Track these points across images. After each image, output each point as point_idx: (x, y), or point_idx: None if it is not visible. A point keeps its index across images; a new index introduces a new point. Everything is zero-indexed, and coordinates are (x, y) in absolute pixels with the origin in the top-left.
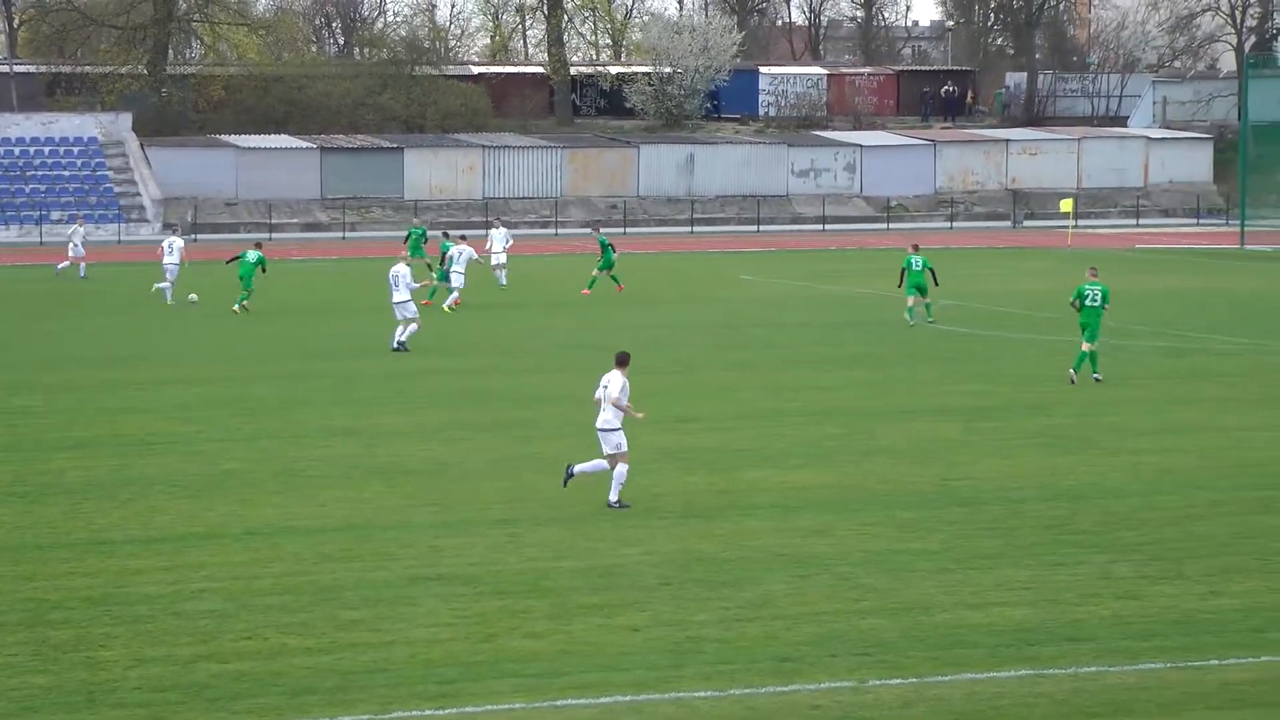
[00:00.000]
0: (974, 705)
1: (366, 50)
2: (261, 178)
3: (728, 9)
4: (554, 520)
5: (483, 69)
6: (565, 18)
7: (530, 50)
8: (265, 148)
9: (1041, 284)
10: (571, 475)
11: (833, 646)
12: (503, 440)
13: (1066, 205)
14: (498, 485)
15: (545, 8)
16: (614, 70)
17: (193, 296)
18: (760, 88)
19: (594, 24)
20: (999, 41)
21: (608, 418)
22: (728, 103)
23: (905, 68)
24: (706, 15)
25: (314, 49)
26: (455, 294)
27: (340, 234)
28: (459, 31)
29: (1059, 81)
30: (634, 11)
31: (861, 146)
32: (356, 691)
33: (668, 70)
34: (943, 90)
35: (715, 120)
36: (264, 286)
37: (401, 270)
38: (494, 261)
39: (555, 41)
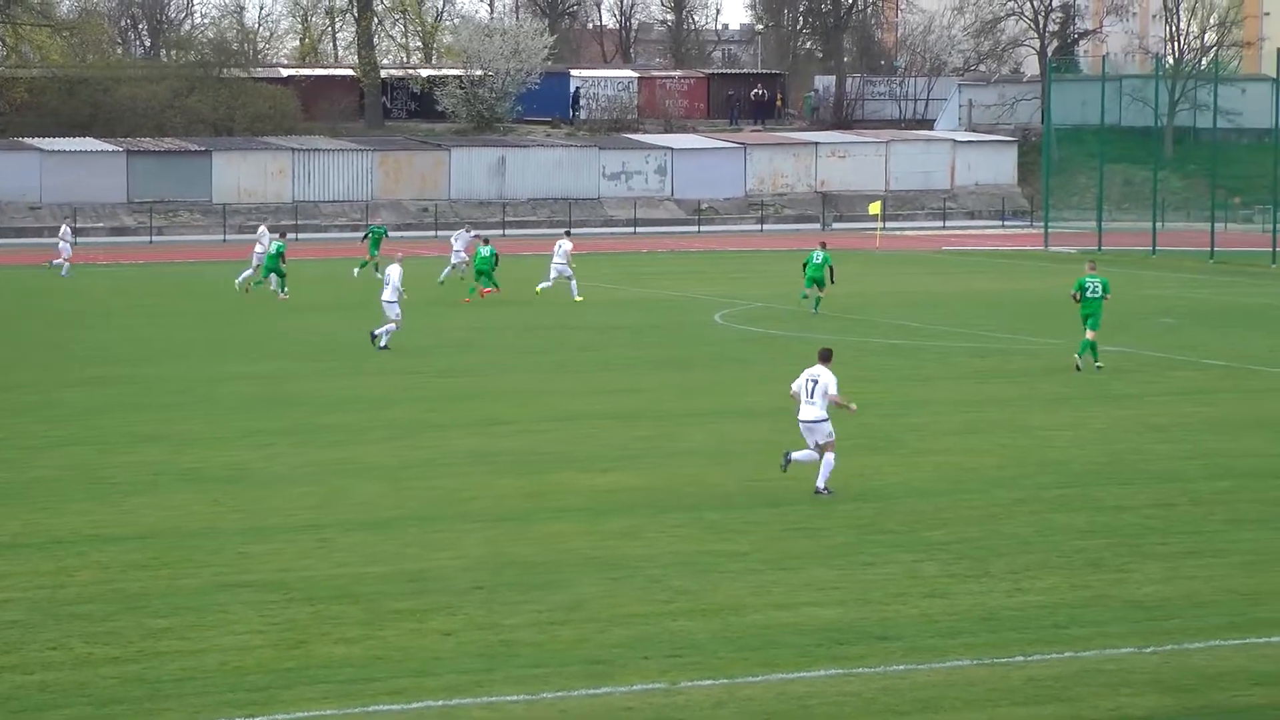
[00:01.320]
0: (784, 705)
1: (174, 52)
2: (66, 181)
3: (539, 12)
4: (364, 525)
5: (292, 71)
6: (375, 20)
7: (340, 53)
8: (70, 151)
9: (850, 286)
10: (790, 460)
11: (644, 648)
12: (309, 445)
13: (875, 207)
14: (305, 490)
15: (355, 10)
16: (425, 73)
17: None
18: (572, 90)
19: (404, 26)
20: (808, 45)
21: (817, 411)
22: (539, 105)
23: (715, 71)
24: (517, 18)
25: (120, 51)
26: (547, 285)
27: (147, 238)
28: (268, 34)
29: (867, 85)
30: (444, 14)
31: (672, 149)
32: (165, 700)
33: (479, 73)
34: (752, 93)
35: (526, 123)
36: (68, 289)
37: (394, 271)
38: (453, 260)
39: (365, 44)
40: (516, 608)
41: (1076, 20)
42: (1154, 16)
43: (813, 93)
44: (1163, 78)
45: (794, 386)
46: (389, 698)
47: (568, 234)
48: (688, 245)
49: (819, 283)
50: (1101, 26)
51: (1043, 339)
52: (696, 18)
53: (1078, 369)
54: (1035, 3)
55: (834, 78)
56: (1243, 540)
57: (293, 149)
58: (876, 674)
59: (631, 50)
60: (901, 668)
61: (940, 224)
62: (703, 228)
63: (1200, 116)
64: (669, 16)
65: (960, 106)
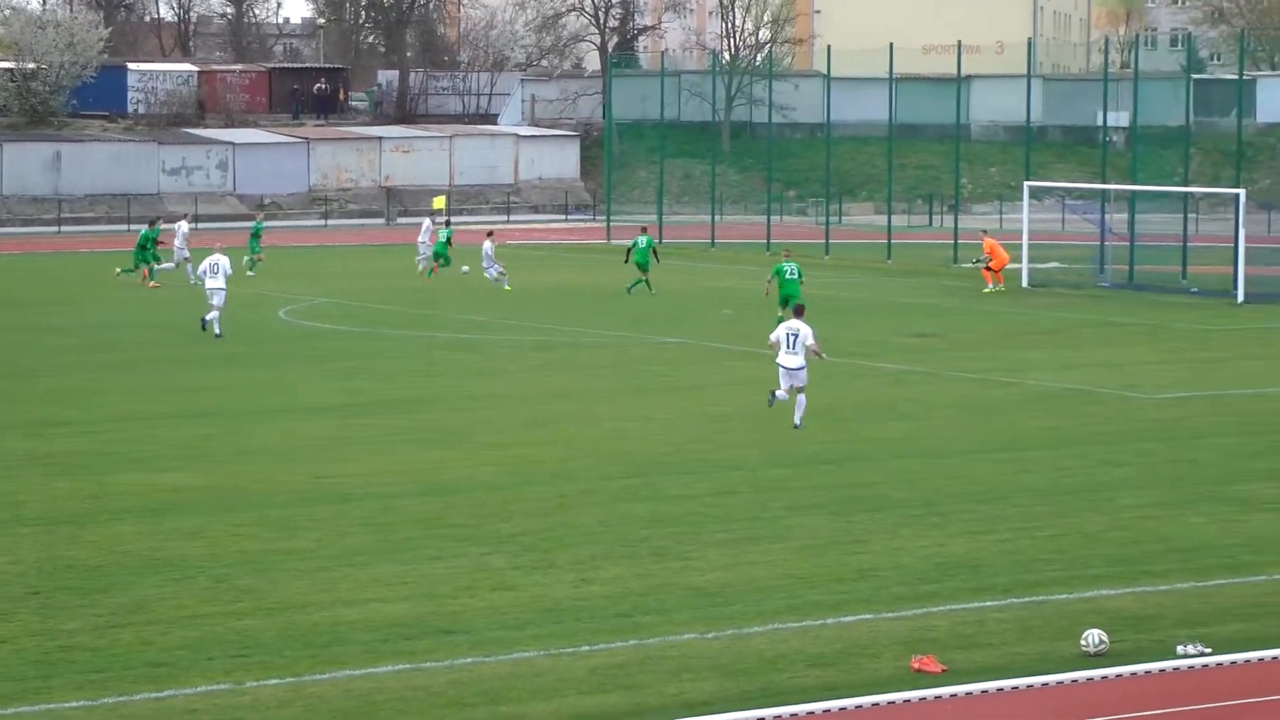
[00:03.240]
0: (351, 702)
1: None
2: None
3: (93, 4)
4: None
5: None
6: None
7: None
8: None
9: (415, 281)
10: (775, 398)
11: (209, 649)
12: None
13: (439, 202)
14: None
15: None
16: None
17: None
18: (129, 84)
19: None
20: (371, 39)
21: (798, 359)
22: (95, 99)
23: (277, 65)
24: (71, 10)
25: None
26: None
27: None
28: None
29: (431, 79)
30: None
31: (234, 144)
32: None
33: (31, 66)
34: (315, 88)
35: (82, 117)
36: None
37: (220, 260)
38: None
39: None
40: (75, 612)
41: (636, 16)
42: (711, 13)
43: (376, 87)
44: (719, 74)
45: (773, 337)
46: None
47: (490, 235)
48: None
49: (644, 267)
50: (660, 23)
51: (608, 331)
52: (257, 11)
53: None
54: None
55: (397, 72)
56: (800, 525)
57: None
58: (443, 668)
59: (191, 44)
60: (469, 660)
61: (505, 218)
62: (266, 223)
63: (756, 112)
64: (229, 10)
65: (523, 101)
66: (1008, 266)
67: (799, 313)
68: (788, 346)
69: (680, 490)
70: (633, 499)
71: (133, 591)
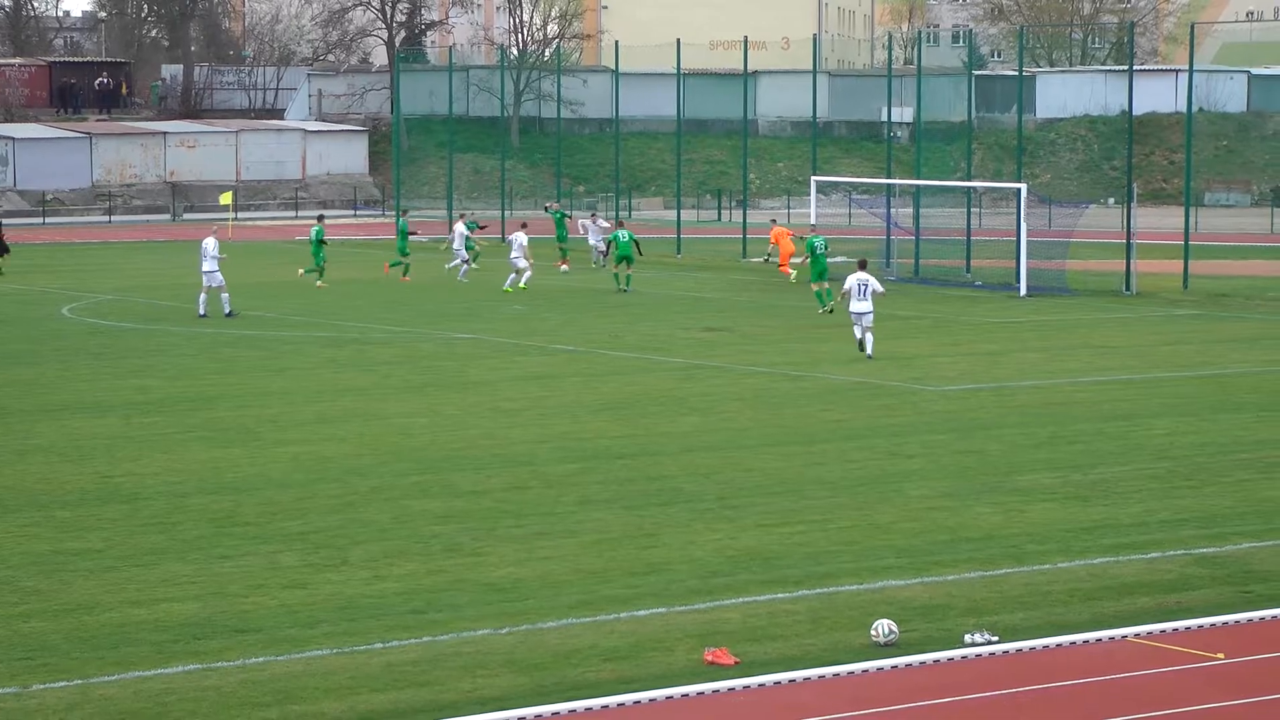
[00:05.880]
0: (141, 703)
1: None
2: None
3: None
4: None
5: None
6: None
7: None
8: None
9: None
10: (860, 344)
11: None
12: None
13: (226, 198)
14: None
15: None
16: None
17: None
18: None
19: None
20: (154, 33)
21: (867, 305)
22: None
23: (58, 59)
24: None
25: None
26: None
27: None
28: None
29: (215, 74)
30: None
31: (14, 139)
32: None
33: None
34: (97, 82)
35: None
36: None
37: (210, 243)
38: (593, 241)
39: None
40: None
41: (423, 11)
42: (499, 8)
43: (160, 81)
44: (508, 69)
45: (846, 285)
46: None
47: (524, 226)
48: (33, 238)
49: (629, 259)
50: (448, 18)
51: (397, 328)
52: (37, 4)
53: (831, 311)
54: None
55: (181, 67)
56: (591, 520)
57: None
58: (235, 667)
59: None
60: (261, 659)
61: (293, 214)
62: (48, 219)
63: (545, 107)
64: (7, 3)
65: (310, 96)
66: (794, 261)
67: (864, 265)
68: (859, 295)
69: (472, 486)
70: (424, 495)
71: None
